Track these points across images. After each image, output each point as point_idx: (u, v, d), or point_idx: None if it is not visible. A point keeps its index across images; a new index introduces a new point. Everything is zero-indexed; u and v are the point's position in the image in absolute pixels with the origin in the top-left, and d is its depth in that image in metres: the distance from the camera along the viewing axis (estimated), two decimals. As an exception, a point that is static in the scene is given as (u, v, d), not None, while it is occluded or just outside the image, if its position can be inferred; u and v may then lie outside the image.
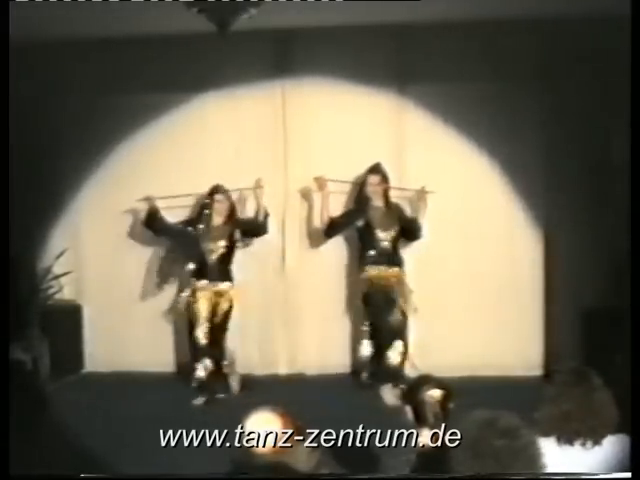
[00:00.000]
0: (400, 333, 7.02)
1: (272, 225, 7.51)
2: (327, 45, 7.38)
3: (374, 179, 7.14)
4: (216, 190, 7.17)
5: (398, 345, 6.98)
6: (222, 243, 7.12)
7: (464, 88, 7.32)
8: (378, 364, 7.02)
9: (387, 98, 7.52)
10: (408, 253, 7.34)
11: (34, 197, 7.52)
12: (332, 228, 7.28)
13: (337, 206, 7.44)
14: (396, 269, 7.09)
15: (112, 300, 7.80)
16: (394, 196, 7.30)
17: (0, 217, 3.98)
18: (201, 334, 7.02)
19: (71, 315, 7.86)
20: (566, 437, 3.29)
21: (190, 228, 7.19)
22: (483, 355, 7.34)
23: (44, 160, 7.62)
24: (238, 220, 7.28)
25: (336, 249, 7.59)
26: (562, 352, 7.39)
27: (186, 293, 7.17)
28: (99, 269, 7.82)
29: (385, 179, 7.17)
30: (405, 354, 7.02)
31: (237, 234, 7.23)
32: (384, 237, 7.07)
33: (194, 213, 7.38)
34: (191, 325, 7.09)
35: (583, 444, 3.27)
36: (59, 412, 6.45)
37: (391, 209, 7.19)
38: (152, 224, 7.28)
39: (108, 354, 7.81)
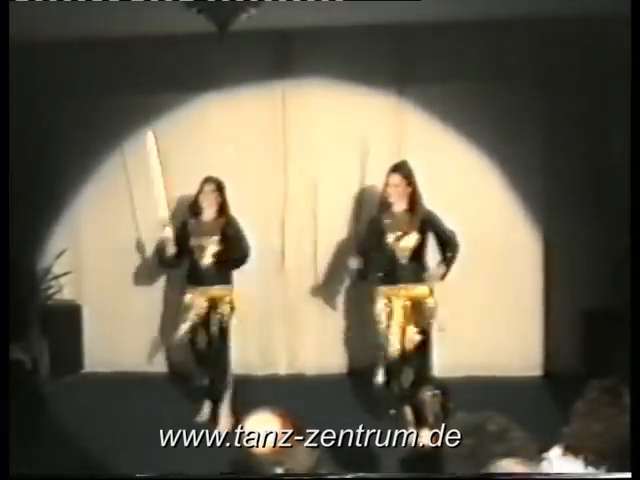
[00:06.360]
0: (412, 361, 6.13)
1: (272, 225, 7.53)
2: (327, 45, 7.37)
3: (394, 179, 6.20)
4: (206, 181, 6.55)
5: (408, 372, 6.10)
6: (215, 238, 6.40)
7: (464, 88, 7.31)
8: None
9: (387, 98, 7.50)
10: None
11: (34, 197, 7.52)
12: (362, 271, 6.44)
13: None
14: (408, 286, 6.15)
15: (112, 300, 7.80)
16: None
17: (0, 217, 3.98)
18: (197, 342, 6.47)
19: (71, 315, 7.85)
20: (594, 459, 3.13)
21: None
22: (483, 355, 7.34)
23: (44, 160, 7.63)
24: (232, 221, 6.50)
25: (336, 248, 7.59)
26: (562, 352, 7.42)
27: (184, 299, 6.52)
28: (99, 269, 7.82)
29: (408, 179, 6.22)
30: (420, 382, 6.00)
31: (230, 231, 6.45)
32: (393, 243, 6.17)
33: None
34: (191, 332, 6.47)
35: (609, 469, 3.09)
36: (58, 412, 6.53)
37: (414, 214, 6.22)
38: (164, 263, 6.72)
39: (108, 354, 7.80)
